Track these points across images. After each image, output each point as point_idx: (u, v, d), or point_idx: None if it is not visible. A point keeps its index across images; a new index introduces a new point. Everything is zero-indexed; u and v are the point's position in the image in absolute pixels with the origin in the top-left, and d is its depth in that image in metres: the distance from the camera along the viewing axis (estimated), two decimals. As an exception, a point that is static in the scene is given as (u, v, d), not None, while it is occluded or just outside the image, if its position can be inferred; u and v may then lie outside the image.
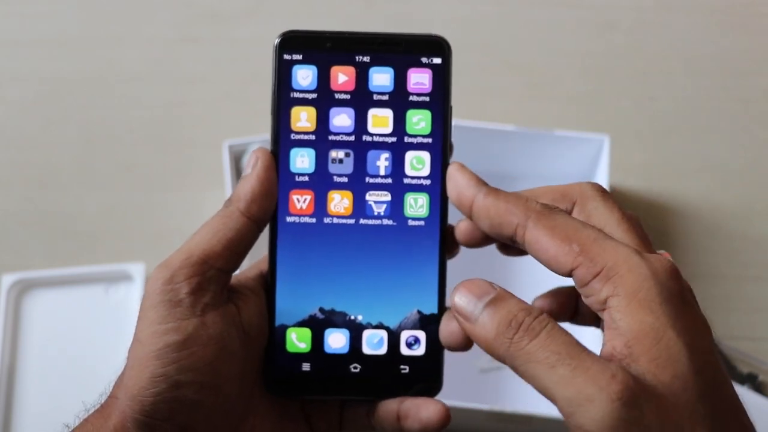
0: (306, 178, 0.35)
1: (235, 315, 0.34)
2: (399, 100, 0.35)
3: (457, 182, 0.34)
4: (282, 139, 0.35)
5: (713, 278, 0.70)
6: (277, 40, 0.35)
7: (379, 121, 0.35)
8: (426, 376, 0.35)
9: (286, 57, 0.35)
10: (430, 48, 0.35)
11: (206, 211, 0.73)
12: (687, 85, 0.79)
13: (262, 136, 0.68)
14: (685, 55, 0.81)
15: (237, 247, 0.34)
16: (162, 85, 0.80)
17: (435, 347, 0.35)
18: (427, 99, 0.35)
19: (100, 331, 0.67)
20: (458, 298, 0.31)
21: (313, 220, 0.36)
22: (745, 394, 0.63)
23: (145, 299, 0.32)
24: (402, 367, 0.35)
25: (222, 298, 0.33)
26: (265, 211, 0.35)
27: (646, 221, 0.73)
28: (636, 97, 0.79)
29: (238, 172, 0.69)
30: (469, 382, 0.64)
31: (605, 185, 0.65)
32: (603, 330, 0.30)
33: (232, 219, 0.34)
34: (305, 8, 0.84)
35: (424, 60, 0.35)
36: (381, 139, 0.35)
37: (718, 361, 0.29)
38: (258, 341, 0.35)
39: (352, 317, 0.35)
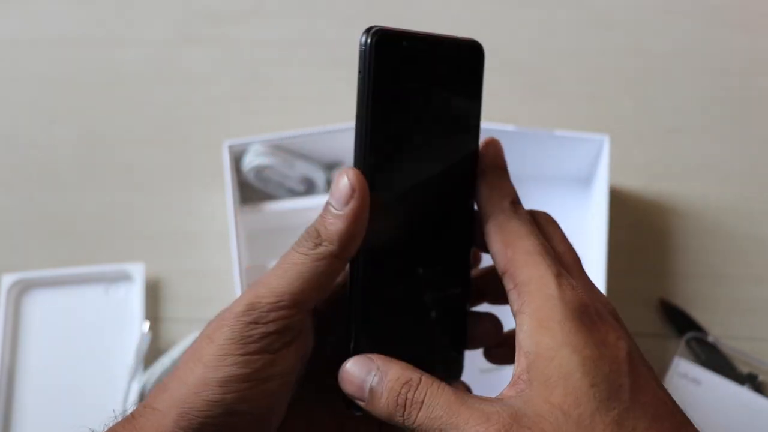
0: (394, 196, 0.33)
1: (307, 348, 0.33)
2: (462, 95, 0.35)
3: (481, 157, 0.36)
4: (376, 151, 0.32)
5: (713, 278, 0.70)
6: (370, 38, 0.33)
7: (448, 114, 0.35)
8: (453, 363, 0.35)
9: (382, 57, 0.32)
10: (474, 49, 0.36)
11: (206, 211, 0.73)
12: (688, 84, 0.79)
13: (261, 136, 0.68)
14: (685, 54, 0.81)
15: (327, 289, 0.33)
16: (162, 85, 0.80)
17: (461, 336, 0.36)
18: (476, 94, 0.36)
19: (100, 330, 0.67)
20: (344, 384, 0.32)
21: (392, 243, 0.34)
22: (745, 394, 0.63)
23: (220, 327, 0.31)
24: (443, 357, 0.35)
25: (301, 335, 0.33)
26: (357, 249, 0.33)
27: (646, 221, 0.73)
28: (636, 96, 0.79)
29: (238, 171, 0.69)
30: (469, 382, 0.63)
31: (605, 185, 0.65)
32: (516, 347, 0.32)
33: (325, 263, 0.32)
34: (305, 8, 0.84)
35: (474, 59, 0.36)
36: (449, 136, 0.35)
37: (636, 370, 0.30)
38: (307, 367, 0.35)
39: (411, 319, 0.35)
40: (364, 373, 0.32)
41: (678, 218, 0.73)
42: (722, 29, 0.82)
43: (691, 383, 0.63)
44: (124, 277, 0.69)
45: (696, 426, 0.31)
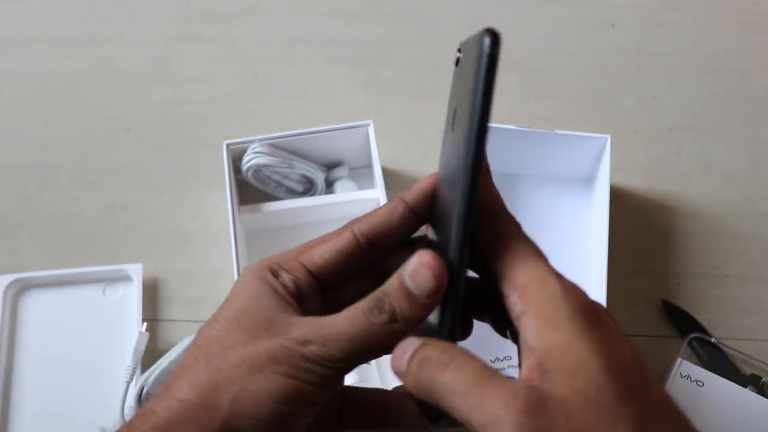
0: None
1: None
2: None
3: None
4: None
5: (716, 278, 0.69)
6: (489, 40, 0.29)
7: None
8: None
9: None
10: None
11: (204, 211, 0.73)
12: (689, 83, 0.79)
13: (261, 136, 0.67)
14: (687, 53, 0.80)
15: None
16: (161, 84, 0.79)
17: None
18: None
19: (98, 331, 0.66)
20: (393, 362, 0.33)
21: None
22: (748, 396, 0.62)
23: (289, 356, 0.33)
24: None
25: None
26: None
27: (648, 221, 0.73)
28: (638, 96, 0.78)
29: (236, 171, 0.68)
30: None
31: (606, 185, 0.64)
32: (519, 352, 0.31)
33: (395, 338, 0.34)
34: (305, 6, 0.84)
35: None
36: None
37: (642, 368, 0.30)
38: None
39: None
40: (405, 348, 0.32)
41: (680, 218, 0.72)
42: (723, 29, 0.82)
43: (693, 385, 0.63)
44: (122, 278, 0.68)
45: (697, 427, 0.31)
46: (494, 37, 0.29)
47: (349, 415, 0.38)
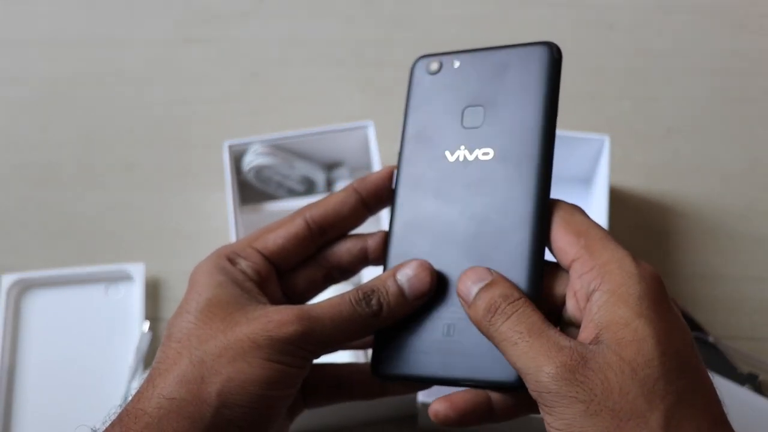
0: None
1: None
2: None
3: None
4: None
5: (713, 278, 0.70)
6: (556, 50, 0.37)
7: None
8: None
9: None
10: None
11: (206, 211, 0.73)
12: (688, 84, 0.79)
13: (261, 136, 0.68)
14: (685, 55, 0.81)
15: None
16: (162, 85, 0.80)
17: None
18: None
19: (100, 331, 0.67)
20: (461, 283, 0.35)
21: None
22: (745, 394, 0.63)
23: (271, 342, 0.33)
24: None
25: None
26: None
27: (646, 221, 0.73)
28: (636, 96, 0.78)
29: (238, 171, 0.69)
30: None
31: (605, 185, 0.65)
32: (581, 330, 0.33)
33: (375, 327, 0.37)
34: (305, 8, 0.84)
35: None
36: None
37: (696, 356, 0.31)
38: None
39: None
40: (477, 279, 0.34)
41: (678, 218, 0.72)
42: (722, 29, 0.82)
43: (691, 383, 0.63)
44: (124, 277, 0.69)
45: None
46: (557, 47, 0.37)
47: (311, 391, 0.39)
